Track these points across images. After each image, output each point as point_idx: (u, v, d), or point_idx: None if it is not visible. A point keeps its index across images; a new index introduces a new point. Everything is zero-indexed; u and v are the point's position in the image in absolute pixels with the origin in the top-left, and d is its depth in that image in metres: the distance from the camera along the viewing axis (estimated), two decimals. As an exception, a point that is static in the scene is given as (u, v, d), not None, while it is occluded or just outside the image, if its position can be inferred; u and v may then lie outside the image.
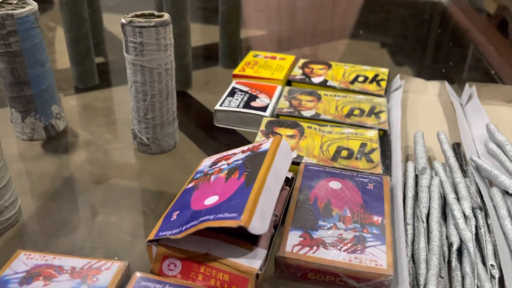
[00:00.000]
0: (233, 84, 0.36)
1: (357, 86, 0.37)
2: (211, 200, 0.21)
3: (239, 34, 0.42)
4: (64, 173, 0.28)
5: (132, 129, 0.29)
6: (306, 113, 0.33)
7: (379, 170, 0.27)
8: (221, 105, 0.33)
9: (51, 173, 0.28)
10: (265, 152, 0.23)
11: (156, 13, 0.27)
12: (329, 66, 0.40)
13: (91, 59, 0.38)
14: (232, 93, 0.35)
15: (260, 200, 0.20)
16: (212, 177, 0.23)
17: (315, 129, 0.31)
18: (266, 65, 0.39)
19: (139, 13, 0.27)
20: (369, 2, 0.68)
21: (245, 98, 0.34)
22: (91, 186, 0.27)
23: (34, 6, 0.27)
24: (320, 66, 0.40)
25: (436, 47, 0.53)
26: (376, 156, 0.28)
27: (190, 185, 0.24)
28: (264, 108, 0.33)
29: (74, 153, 0.30)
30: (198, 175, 0.25)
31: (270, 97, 0.34)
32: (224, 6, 0.40)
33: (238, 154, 0.25)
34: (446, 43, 0.54)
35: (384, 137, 0.31)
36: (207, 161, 0.26)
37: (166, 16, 0.27)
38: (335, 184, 0.25)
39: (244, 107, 0.33)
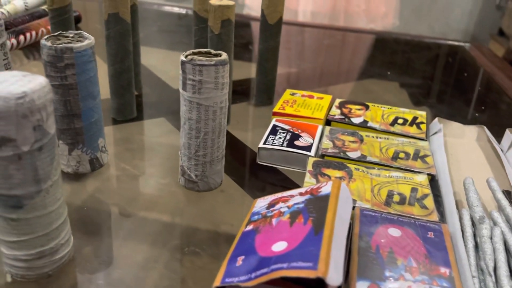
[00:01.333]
0: (274, 122, 0.36)
1: (397, 128, 0.37)
2: (280, 247, 0.20)
3: (275, 72, 0.43)
4: (108, 208, 0.28)
5: (181, 165, 0.29)
6: (351, 154, 0.32)
7: (435, 217, 0.26)
8: (264, 143, 0.33)
9: (94, 207, 0.28)
10: (327, 196, 0.23)
11: (212, 51, 0.28)
12: (367, 107, 0.40)
13: (131, 92, 0.38)
14: (274, 131, 0.35)
15: (332, 248, 0.19)
16: (274, 221, 0.23)
17: (363, 171, 0.30)
18: (304, 104, 0.39)
19: (196, 51, 0.28)
20: (385, 42, 0.69)
21: (288, 137, 0.34)
22: (138, 222, 0.27)
23: (91, 40, 0.28)
24: (358, 107, 0.40)
25: (463, 90, 0.53)
26: (430, 202, 0.28)
27: (249, 228, 0.23)
28: (308, 148, 0.33)
29: (118, 187, 0.30)
30: (256, 217, 0.24)
31: (313, 137, 0.34)
32: (263, 45, 0.41)
33: (296, 196, 0.24)
34: (471, 86, 0.54)
35: (432, 182, 0.31)
36: (262, 202, 0.26)
37: (224, 55, 0.27)
38: (394, 231, 0.24)
39: (288, 146, 0.33)
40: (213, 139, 0.28)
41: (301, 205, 0.23)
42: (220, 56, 0.27)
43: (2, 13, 0.60)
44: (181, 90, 0.27)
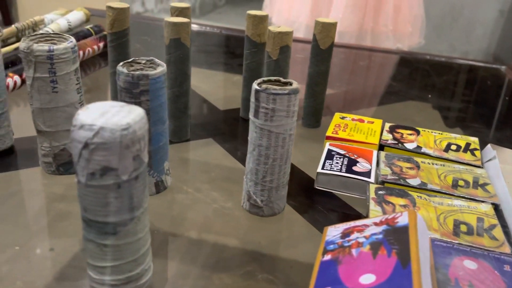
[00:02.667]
0: (328, 146, 0.37)
1: (452, 154, 0.37)
2: (368, 279, 0.20)
3: (324, 96, 0.43)
4: (175, 232, 0.28)
5: (247, 190, 0.29)
6: (412, 182, 0.32)
7: (507, 249, 0.26)
8: (323, 168, 0.33)
9: (161, 230, 0.28)
10: (406, 228, 0.23)
11: (282, 79, 0.28)
12: (418, 132, 0.40)
13: (187, 115, 0.38)
14: (331, 156, 0.35)
15: (422, 283, 0.19)
16: (354, 251, 0.23)
17: (425, 199, 0.30)
18: (356, 128, 0.39)
19: (266, 79, 0.28)
20: (415, 63, 0.69)
21: (346, 162, 0.34)
22: (206, 247, 0.27)
23: (164, 67, 0.28)
24: (409, 132, 0.40)
25: (507, 114, 0.53)
26: (499, 233, 0.27)
27: (327, 258, 0.23)
28: (367, 174, 0.33)
29: (182, 210, 0.30)
30: (332, 246, 0.24)
31: (369, 162, 0.34)
32: (314, 69, 0.41)
33: (371, 226, 0.25)
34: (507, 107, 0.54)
35: (496, 212, 0.31)
36: (333, 231, 0.26)
37: (295, 84, 0.27)
38: (470, 264, 0.24)
39: (346, 171, 0.33)
40: (281, 165, 0.28)
41: (380, 236, 0.23)
42: (291, 84, 0.28)
43: (47, 31, 0.62)
44: (252, 118, 0.27)
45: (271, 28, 0.35)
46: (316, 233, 0.29)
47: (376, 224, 0.25)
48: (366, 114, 0.47)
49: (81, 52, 0.55)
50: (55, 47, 0.28)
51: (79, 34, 0.61)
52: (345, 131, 0.39)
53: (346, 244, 0.24)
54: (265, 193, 0.29)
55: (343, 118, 0.41)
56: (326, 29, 0.40)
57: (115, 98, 0.42)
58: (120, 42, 0.40)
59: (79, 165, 0.19)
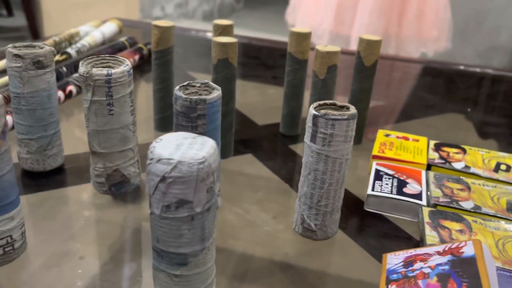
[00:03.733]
0: (375, 166, 0.36)
1: (502, 175, 0.36)
2: (442, 315, 0.20)
3: (367, 113, 0.43)
4: (228, 253, 0.28)
5: (301, 214, 0.29)
6: (465, 204, 0.32)
7: None
8: (373, 190, 0.33)
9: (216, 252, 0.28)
10: (473, 259, 0.23)
11: (337, 103, 0.28)
12: (464, 150, 0.39)
13: (232, 133, 0.39)
14: (379, 177, 0.35)
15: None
16: (420, 283, 0.22)
17: (481, 223, 0.30)
18: (402, 147, 0.39)
19: (321, 102, 0.28)
20: (445, 74, 0.68)
21: (395, 183, 0.34)
22: (262, 270, 0.27)
23: (219, 91, 0.29)
24: (455, 150, 0.39)
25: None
26: (563, 262, 0.27)
27: (392, 288, 0.23)
28: (418, 196, 0.32)
29: (235, 232, 0.30)
30: (395, 276, 0.24)
31: (419, 183, 0.34)
32: (357, 85, 0.41)
33: (434, 255, 0.24)
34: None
35: (555, 237, 0.30)
36: (394, 259, 0.26)
37: (353, 108, 0.27)
38: (538, 296, 0.24)
39: (397, 193, 0.33)
40: (336, 190, 0.28)
41: (446, 267, 0.23)
42: (348, 109, 0.27)
43: (84, 45, 0.63)
44: (308, 142, 0.27)
45: (318, 47, 0.35)
46: (370, 258, 0.29)
47: (439, 253, 0.24)
48: (403, 128, 0.47)
49: (118, 66, 0.56)
50: (113, 71, 0.29)
51: (115, 47, 0.62)
52: (391, 150, 0.38)
53: (410, 274, 0.24)
54: (319, 217, 0.29)
55: (387, 135, 0.41)
56: (371, 46, 0.39)
57: (159, 115, 0.42)
58: (164, 60, 0.40)
59: (154, 197, 0.20)
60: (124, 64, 0.30)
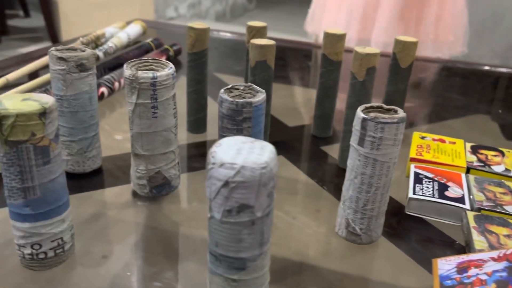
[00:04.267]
0: (414, 169, 0.36)
1: (544, 178, 0.35)
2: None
3: (401, 114, 0.42)
4: (274, 258, 0.28)
5: (346, 218, 0.29)
6: (509, 209, 0.31)
7: None
8: (414, 193, 0.33)
9: (263, 257, 0.28)
10: (531, 265, 0.22)
11: (384, 106, 0.28)
12: (502, 153, 0.39)
13: (267, 135, 0.38)
14: (419, 180, 0.34)
15: None
16: (478, 289, 0.22)
17: (528, 228, 0.29)
18: (440, 149, 0.38)
19: (368, 105, 0.28)
20: (476, 75, 0.67)
21: (436, 187, 0.33)
22: (308, 273, 0.27)
23: (264, 94, 0.29)
24: (493, 153, 0.39)
25: None
26: None
27: (448, 294, 0.23)
28: (461, 200, 0.32)
29: (279, 236, 0.30)
30: (449, 282, 0.24)
31: (460, 186, 0.34)
32: (392, 87, 0.41)
33: (489, 262, 0.24)
34: None
35: None
36: (445, 265, 0.25)
37: (401, 112, 0.27)
38: None
39: (440, 197, 0.32)
40: (383, 194, 0.28)
41: (504, 274, 0.22)
42: (395, 112, 0.27)
43: (111, 46, 0.64)
44: (356, 146, 0.27)
45: (357, 49, 0.35)
46: (414, 263, 0.29)
47: (494, 259, 0.24)
48: (435, 130, 0.46)
49: (147, 67, 0.56)
50: (158, 74, 0.29)
51: (142, 48, 0.62)
52: (429, 152, 0.38)
53: (466, 281, 0.23)
54: (364, 221, 0.29)
55: (423, 138, 0.41)
56: (407, 47, 0.39)
57: (193, 117, 0.42)
58: (199, 62, 0.40)
59: (215, 201, 0.19)
60: (168, 67, 0.30)
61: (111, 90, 0.49)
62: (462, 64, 0.73)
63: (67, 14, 2.01)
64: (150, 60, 0.31)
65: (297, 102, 0.55)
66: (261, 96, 0.28)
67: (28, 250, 0.25)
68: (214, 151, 0.19)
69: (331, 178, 0.38)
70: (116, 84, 0.50)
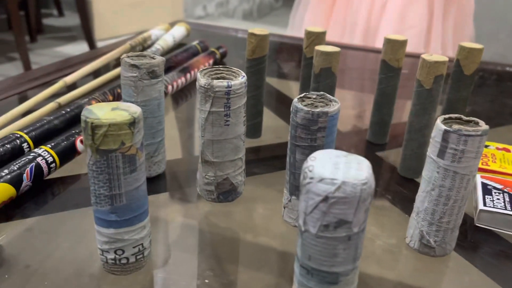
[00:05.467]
0: (480, 179, 0.35)
1: None
2: None
3: (462, 122, 0.41)
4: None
5: (420, 230, 0.29)
6: None
7: None
8: (485, 205, 0.32)
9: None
10: None
11: (463, 117, 0.27)
12: None
13: (328, 141, 0.38)
14: (488, 191, 0.33)
15: None
16: None
17: None
18: (506, 159, 0.37)
19: (446, 116, 0.27)
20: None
21: (507, 198, 0.33)
22: (386, 284, 0.27)
23: (339, 103, 0.28)
24: (562, 163, 0.38)
25: None
26: None
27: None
28: (535, 213, 0.31)
29: (345, 245, 0.30)
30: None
31: (532, 199, 0.33)
32: (454, 94, 0.40)
33: None
34: None
35: None
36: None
37: (483, 123, 0.26)
38: None
39: (512, 209, 0.31)
40: (460, 207, 0.27)
41: None
42: (477, 123, 0.27)
43: (158, 49, 0.65)
44: (435, 157, 0.27)
45: (425, 56, 0.34)
46: (487, 278, 0.28)
47: None
48: (493, 138, 0.45)
49: (196, 70, 0.57)
50: (232, 82, 0.29)
51: (189, 51, 0.62)
52: (495, 162, 0.37)
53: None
54: (440, 233, 0.28)
55: (486, 146, 0.40)
56: (472, 54, 0.38)
57: (249, 122, 0.42)
58: (259, 68, 0.40)
59: (311, 216, 0.20)
60: (241, 76, 0.30)
61: (165, 94, 0.50)
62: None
63: (100, 13, 2.06)
64: (221, 68, 0.31)
65: (347, 108, 0.54)
66: (336, 106, 0.28)
67: (111, 255, 0.25)
68: (310, 165, 0.19)
69: (393, 187, 0.37)
70: (170, 87, 0.51)
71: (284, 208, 0.31)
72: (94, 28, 1.96)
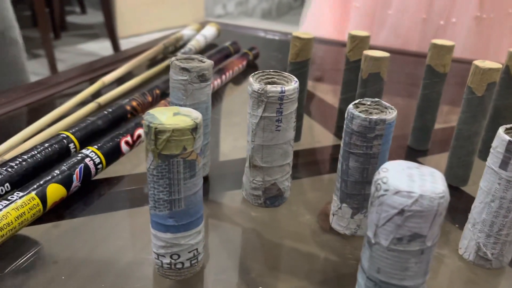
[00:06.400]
0: (532, 189, 0.34)
1: None
2: None
3: (509, 129, 0.40)
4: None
5: (476, 242, 0.28)
6: None
7: None
8: (539, 217, 0.31)
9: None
10: None
11: (525, 128, 0.27)
12: None
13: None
14: (541, 202, 0.33)
15: None
16: None
17: None
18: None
19: (508, 126, 0.27)
20: None
21: (562, 211, 0.32)
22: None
23: (395, 111, 0.28)
24: None
25: None
26: None
27: None
28: None
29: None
30: None
31: None
32: (502, 101, 0.39)
33: None
34: None
35: None
36: None
37: (548, 134, 0.26)
38: None
39: None
40: (521, 219, 0.27)
41: None
42: (541, 134, 0.26)
43: (190, 49, 0.65)
44: (496, 168, 0.26)
45: (477, 63, 0.34)
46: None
47: None
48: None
49: (231, 71, 0.57)
50: (286, 88, 0.29)
51: (222, 52, 0.62)
52: (546, 172, 0.36)
53: None
54: (497, 246, 0.27)
55: (535, 156, 0.39)
56: (523, 61, 0.37)
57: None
58: (301, 71, 0.40)
59: (383, 228, 0.19)
60: (293, 81, 0.30)
61: (201, 95, 0.50)
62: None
63: (123, 11, 2.08)
64: (272, 73, 0.31)
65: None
66: (393, 113, 0.27)
67: (167, 260, 0.25)
68: (384, 176, 0.19)
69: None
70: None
71: (333, 215, 0.31)
72: (117, 26, 1.97)
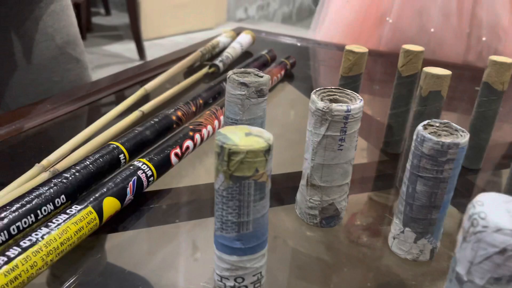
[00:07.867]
0: None
1: None
2: None
3: None
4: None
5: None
6: None
7: None
8: None
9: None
10: None
11: None
12: None
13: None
14: None
15: None
16: None
17: None
18: None
19: None
20: None
21: None
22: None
23: (468, 134, 0.27)
24: None
25: None
26: None
27: None
28: None
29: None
30: None
31: None
32: None
33: None
34: None
35: None
36: None
37: None
38: None
39: None
40: None
41: None
42: None
43: (228, 57, 0.64)
44: None
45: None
46: None
47: None
48: None
49: (270, 82, 0.56)
50: (352, 107, 0.28)
51: (260, 60, 0.62)
52: None
53: None
54: None
55: None
56: None
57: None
58: (354, 85, 0.39)
59: (480, 266, 0.18)
60: (358, 99, 0.29)
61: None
62: None
63: (147, 14, 2.09)
64: (334, 90, 0.30)
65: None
66: (466, 137, 0.26)
67: (231, 283, 0.25)
68: (481, 211, 0.18)
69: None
70: (248, 99, 0.50)
71: (394, 238, 0.30)
72: (141, 28, 1.99)
